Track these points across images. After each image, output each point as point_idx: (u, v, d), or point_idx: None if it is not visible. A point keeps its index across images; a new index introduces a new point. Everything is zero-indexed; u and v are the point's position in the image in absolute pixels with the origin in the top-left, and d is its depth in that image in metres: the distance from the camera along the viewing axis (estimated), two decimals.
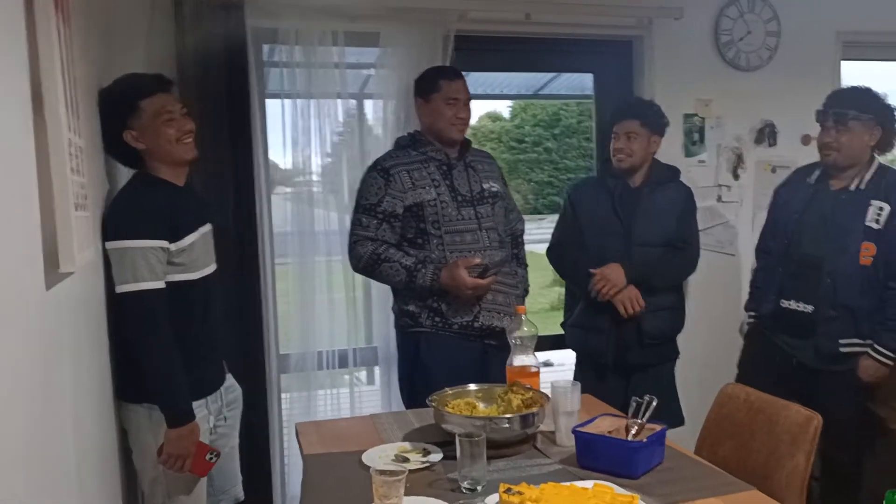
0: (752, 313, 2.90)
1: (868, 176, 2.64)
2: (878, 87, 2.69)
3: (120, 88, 2.01)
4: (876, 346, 2.56)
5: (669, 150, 3.20)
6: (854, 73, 3.67)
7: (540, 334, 2.13)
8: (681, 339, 2.87)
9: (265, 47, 2.99)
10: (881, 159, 2.71)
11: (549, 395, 1.92)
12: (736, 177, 3.50)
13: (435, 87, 2.52)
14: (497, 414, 1.93)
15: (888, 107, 2.65)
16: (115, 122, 1.95)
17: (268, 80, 3.04)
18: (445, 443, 1.85)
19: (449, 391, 2.02)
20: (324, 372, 2.96)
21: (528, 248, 2.84)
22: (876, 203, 2.58)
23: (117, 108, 1.96)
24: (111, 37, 2.44)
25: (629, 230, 2.77)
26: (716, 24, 3.42)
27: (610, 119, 2.88)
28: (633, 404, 1.82)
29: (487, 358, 2.46)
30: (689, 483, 1.63)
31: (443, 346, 2.45)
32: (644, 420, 1.78)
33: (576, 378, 2.71)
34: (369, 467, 1.68)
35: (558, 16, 3.18)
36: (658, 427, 1.77)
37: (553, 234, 2.97)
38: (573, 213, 2.91)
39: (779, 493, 1.69)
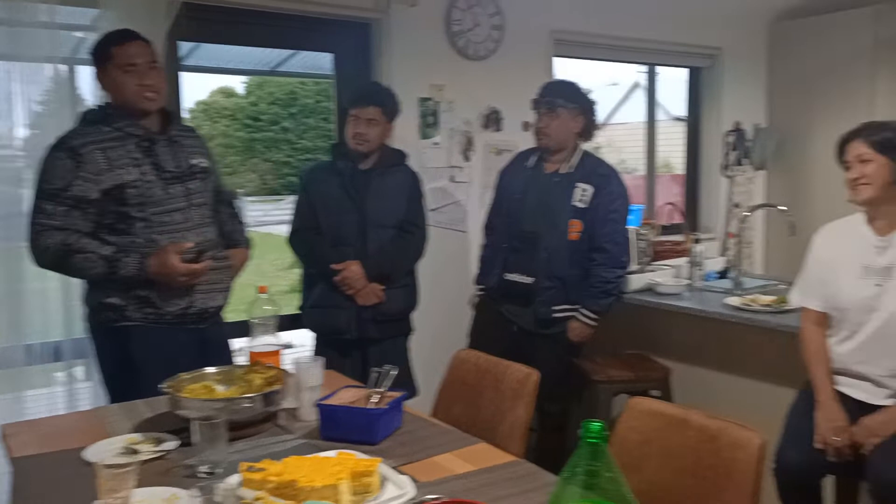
0: (481, 286, 3.16)
1: (575, 161, 2.99)
2: (583, 83, 3.05)
3: None
4: (582, 309, 2.93)
5: (406, 131, 3.33)
6: (566, 69, 4.12)
7: (281, 314, 2.11)
8: (415, 313, 3.00)
9: None
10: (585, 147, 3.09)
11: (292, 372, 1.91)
12: (466, 158, 3.74)
13: (107, 56, 2.22)
14: (238, 395, 1.87)
15: (590, 100, 3.03)
16: None
17: None
18: (182, 430, 1.75)
19: (185, 376, 1.91)
20: (34, 368, 2.62)
21: (266, 228, 2.79)
22: (581, 185, 2.95)
23: None
24: None
25: (362, 212, 2.81)
26: (448, 13, 3.61)
27: (350, 102, 2.87)
28: (374, 374, 1.89)
29: (205, 345, 2.29)
30: (425, 442, 1.73)
31: (156, 339, 2.21)
32: (384, 389, 1.85)
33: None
34: (92, 463, 1.54)
35: None
36: (398, 394, 1.85)
37: (293, 221, 2.92)
38: (307, 195, 2.90)
39: (503, 443, 1.86)
